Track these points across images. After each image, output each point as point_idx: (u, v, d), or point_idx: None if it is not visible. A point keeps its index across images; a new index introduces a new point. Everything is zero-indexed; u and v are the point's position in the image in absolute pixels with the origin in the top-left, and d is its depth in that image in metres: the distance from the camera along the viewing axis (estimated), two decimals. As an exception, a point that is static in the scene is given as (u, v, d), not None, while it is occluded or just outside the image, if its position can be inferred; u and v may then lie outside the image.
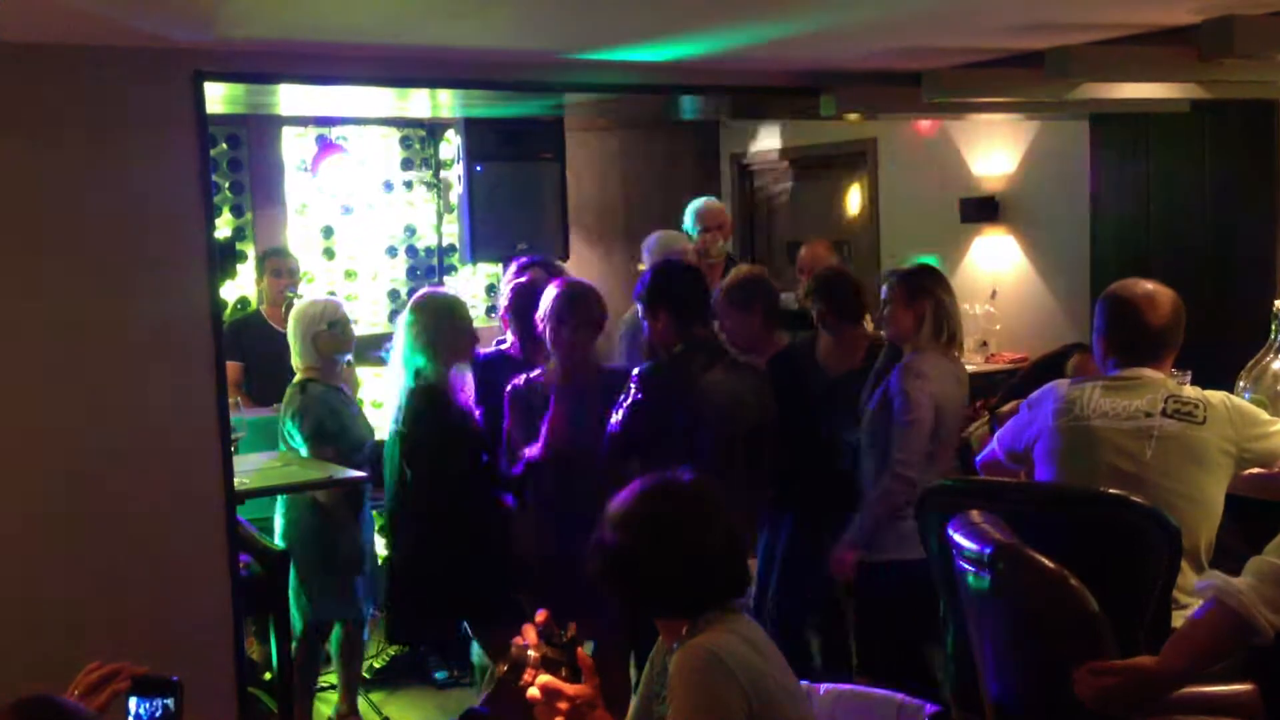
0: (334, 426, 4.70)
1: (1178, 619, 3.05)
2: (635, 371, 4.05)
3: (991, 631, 2.88)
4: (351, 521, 4.71)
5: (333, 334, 4.75)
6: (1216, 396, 3.19)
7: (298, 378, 4.79)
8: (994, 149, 6.69)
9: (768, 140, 8.09)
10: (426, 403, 4.10)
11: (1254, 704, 2.66)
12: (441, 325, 4.16)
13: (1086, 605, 2.57)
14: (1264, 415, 3.21)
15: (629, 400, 3.96)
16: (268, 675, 4.62)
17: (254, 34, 3.61)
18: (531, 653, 2.13)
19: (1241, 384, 3.59)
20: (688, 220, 5.82)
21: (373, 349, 5.29)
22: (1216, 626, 2.43)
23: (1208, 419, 3.11)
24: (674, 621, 2.27)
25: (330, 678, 5.27)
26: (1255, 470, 3.18)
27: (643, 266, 5.54)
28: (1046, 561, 2.64)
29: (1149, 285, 3.27)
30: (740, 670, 2.13)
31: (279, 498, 4.67)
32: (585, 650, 2.19)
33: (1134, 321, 3.23)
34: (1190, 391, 3.22)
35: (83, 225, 3.61)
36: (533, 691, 2.09)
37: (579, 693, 2.09)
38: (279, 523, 4.71)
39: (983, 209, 6.63)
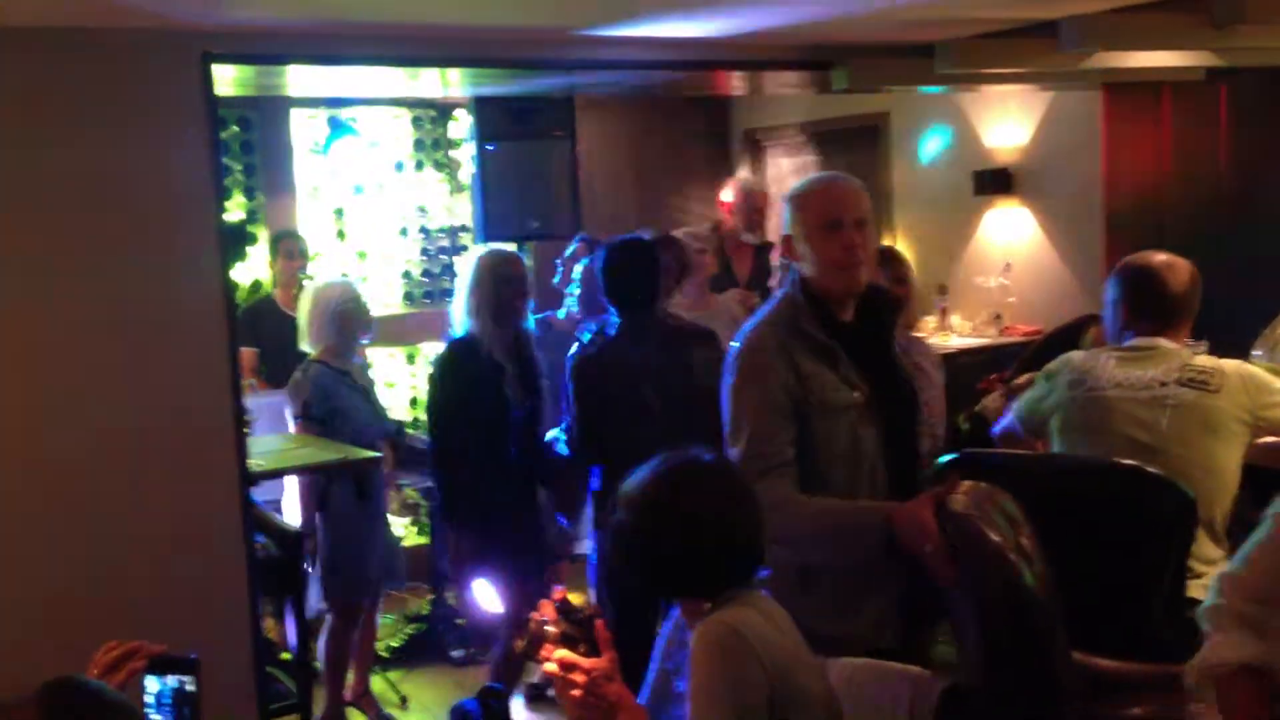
0: (320, 411, 4.69)
1: (1194, 588, 3.05)
2: (571, 359, 4.14)
3: (957, 608, 2.84)
4: (356, 505, 4.70)
5: (354, 315, 4.76)
6: (1231, 365, 3.19)
7: (314, 355, 4.78)
8: (1007, 120, 6.65)
9: (781, 115, 8.05)
10: (457, 354, 4.28)
11: None
12: (484, 281, 4.27)
13: (1020, 584, 2.43)
14: (1278, 384, 3.21)
15: (571, 397, 4.10)
16: (285, 655, 4.64)
17: (262, 15, 3.60)
18: (550, 628, 2.13)
19: (1257, 352, 3.58)
20: (734, 196, 5.80)
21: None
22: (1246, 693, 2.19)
23: (1222, 387, 3.11)
24: (695, 600, 2.26)
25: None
26: (1268, 439, 3.17)
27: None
28: (992, 535, 2.57)
29: (1165, 255, 3.30)
30: (760, 646, 2.12)
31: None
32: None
33: (1155, 289, 3.24)
34: (1204, 360, 3.22)
35: (93, 209, 3.61)
36: (549, 666, 2.10)
37: (595, 666, 2.09)
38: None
39: (996, 181, 6.60)
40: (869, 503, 2.68)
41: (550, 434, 4.42)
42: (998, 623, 2.40)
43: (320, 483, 4.64)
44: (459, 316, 4.38)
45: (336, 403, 4.73)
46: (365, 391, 4.96)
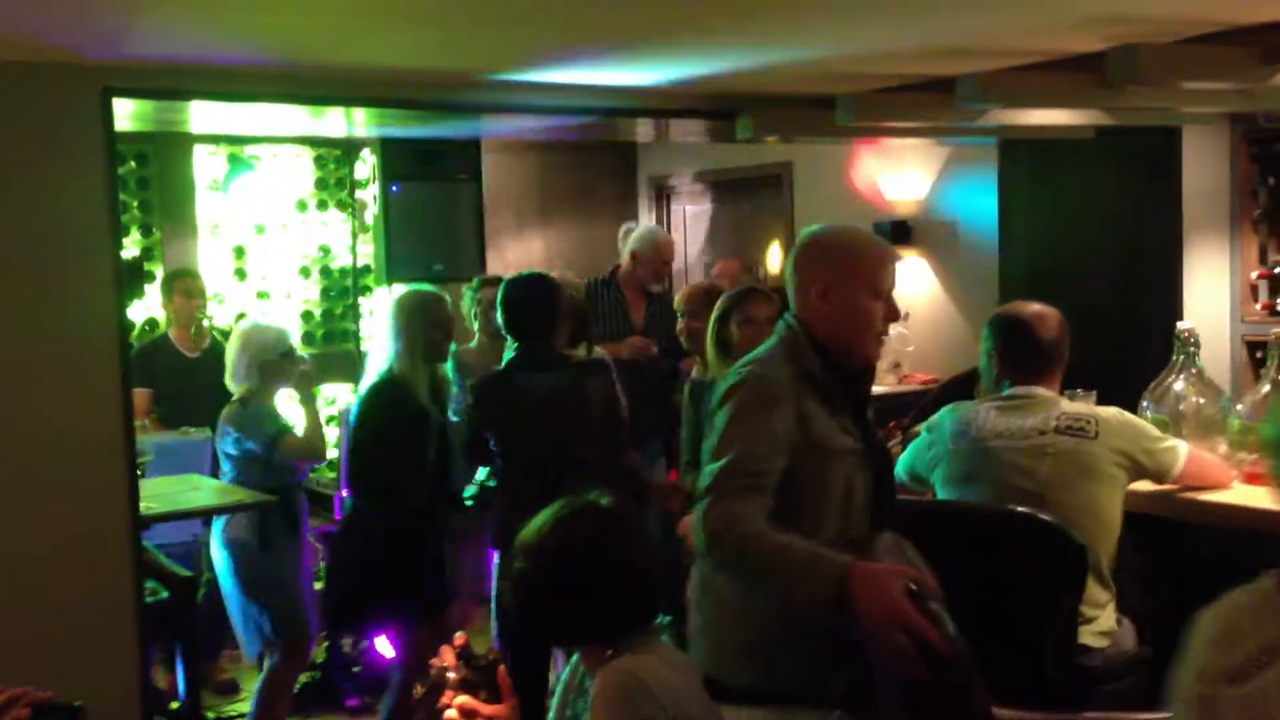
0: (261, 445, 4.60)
1: (1085, 635, 3.11)
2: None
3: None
4: (283, 542, 4.60)
5: (281, 365, 4.68)
6: (1106, 411, 3.28)
7: (236, 395, 4.68)
8: (907, 173, 6.79)
9: (686, 162, 8.14)
10: (386, 395, 4.24)
11: None
12: (413, 320, 4.26)
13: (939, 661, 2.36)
14: (1155, 431, 3.31)
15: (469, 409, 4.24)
16: (174, 704, 4.52)
17: (165, 50, 3.56)
18: (450, 674, 2.10)
19: (1145, 404, 3.67)
20: (643, 245, 5.83)
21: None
22: None
23: (1099, 433, 3.19)
24: (595, 647, 2.24)
25: (241, 706, 5.18)
26: (1152, 486, 3.28)
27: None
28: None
29: (1035, 305, 3.40)
30: (662, 693, 2.12)
31: (215, 524, 4.58)
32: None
33: (1026, 339, 3.33)
34: (1080, 407, 3.31)
35: (-16, 243, 3.53)
36: (450, 713, 2.07)
37: (496, 713, 2.07)
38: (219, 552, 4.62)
39: (896, 232, 6.72)
40: (830, 552, 2.43)
41: (468, 490, 4.45)
42: (918, 685, 2.31)
43: (255, 518, 4.54)
44: (380, 357, 4.34)
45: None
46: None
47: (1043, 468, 3.18)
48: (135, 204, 6.55)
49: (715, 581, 2.64)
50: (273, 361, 4.63)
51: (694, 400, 4.51)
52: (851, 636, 2.35)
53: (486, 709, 2.07)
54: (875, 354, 2.74)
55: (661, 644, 2.26)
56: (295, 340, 4.94)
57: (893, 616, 2.25)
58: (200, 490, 4.55)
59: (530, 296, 4.19)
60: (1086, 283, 5.44)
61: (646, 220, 8.13)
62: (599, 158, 8.16)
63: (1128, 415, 3.31)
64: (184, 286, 6.01)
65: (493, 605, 4.30)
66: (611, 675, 2.15)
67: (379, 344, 4.41)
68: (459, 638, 2.15)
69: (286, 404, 4.98)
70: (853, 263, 2.68)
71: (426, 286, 4.60)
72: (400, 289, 4.56)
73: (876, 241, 2.80)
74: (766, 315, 4.03)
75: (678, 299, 4.92)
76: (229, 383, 4.69)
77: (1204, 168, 5.28)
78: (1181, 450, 3.26)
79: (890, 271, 2.70)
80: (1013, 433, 3.24)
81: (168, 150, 6.62)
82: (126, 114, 4.29)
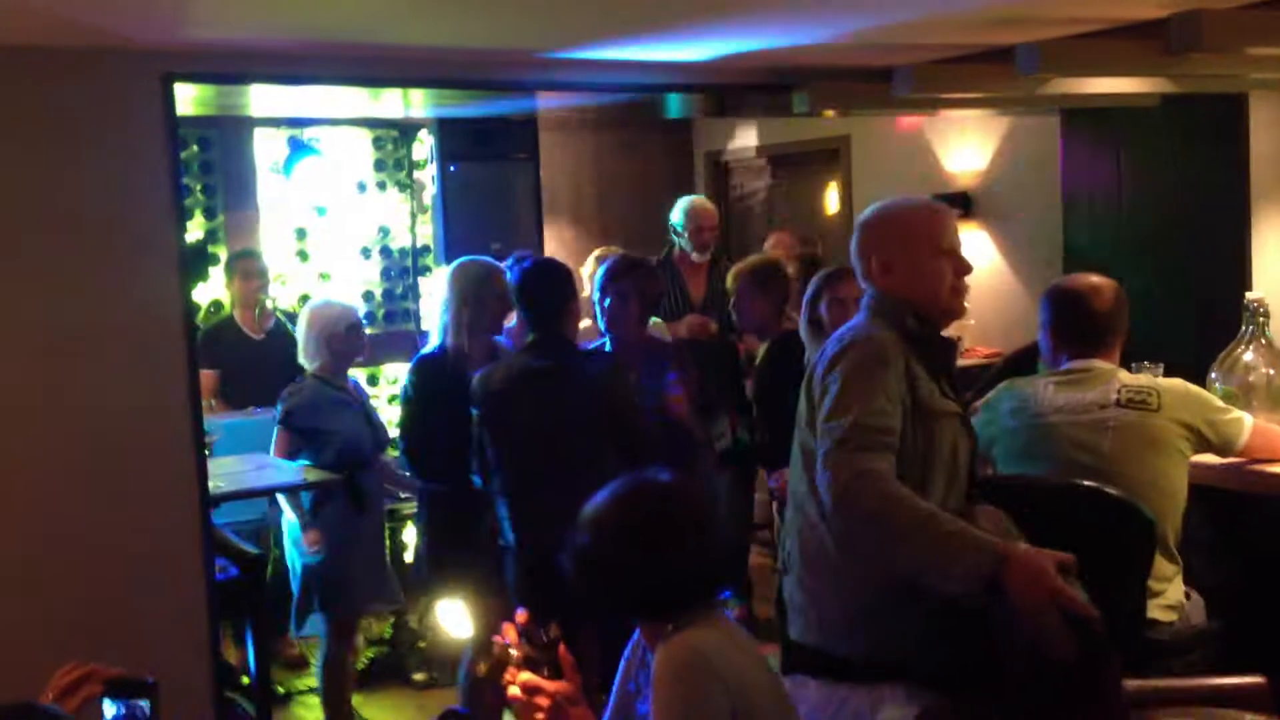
0: (303, 423, 4.67)
1: (1153, 609, 3.08)
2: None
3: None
4: (350, 519, 4.67)
5: (348, 338, 4.76)
6: (1169, 383, 3.24)
7: (310, 372, 4.77)
8: (966, 145, 6.72)
9: (743, 138, 8.10)
10: (434, 367, 4.26)
11: (1264, 696, 2.63)
12: (469, 291, 4.27)
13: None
14: (1219, 402, 3.27)
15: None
16: (245, 680, 4.60)
17: (223, 34, 3.60)
18: (513, 651, 2.12)
19: (1213, 375, 3.62)
20: (679, 217, 5.84)
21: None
22: None
23: (1161, 405, 3.15)
24: (655, 622, 2.25)
25: (310, 680, 5.26)
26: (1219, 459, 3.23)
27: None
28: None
29: (1092, 277, 3.35)
30: (725, 669, 2.12)
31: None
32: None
33: (1082, 311, 3.28)
34: (1142, 379, 3.27)
35: (53, 229, 3.59)
36: (513, 690, 2.09)
37: (560, 689, 2.09)
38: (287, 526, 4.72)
39: (955, 205, 6.66)
40: (982, 532, 2.42)
41: None
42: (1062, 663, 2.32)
43: (314, 496, 4.61)
44: (435, 329, 4.38)
45: (321, 422, 4.69)
46: (362, 406, 4.95)
47: (1105, 442, 3.14)
48: (199, 188, 6.63)
49: (824, 545, 2.60)
50: (338, 334, 4.70)
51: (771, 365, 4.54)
52: (995, 615, 2.35)
53: (550, 685, 2.09)
54: (957, 308, 2.74)
55: (722, 616, 2.27)
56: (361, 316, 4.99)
57: (1050, 598, 2.26)
58: (266, 469, 4.62)
59: (539, 279, 4.08)
60: (1152, 253, 5.35)
61: (704, 195, 8.11)
62: (655, 135, 8.14)
63: (1191, 386, 3.26)
64: (243, 268, 6.10)
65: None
66: (673, 651, 2.15)
67: (434, 315, 4.43)
68: (521, 615, 2.17)
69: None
70: (905, 227, 2.74)
71: (484, 258, 4.60)
72: (460, 262, 4.52)
73: (924, 202, 2.86)
74: (856, 296, 4.00)
75: (729, 277, 4.90)
76: (303, 361, 4.77)
77: (1272, 134, 5.17)
78: (1247, 422, 3.21)
79: (946, 226, 2.73)
80: (1073, 407, 3.20)
81: (229, 134, 6.69)
82: (188, 99, 4.35)
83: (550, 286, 4.04)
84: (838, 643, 2.59)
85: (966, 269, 2.72)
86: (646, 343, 4.52)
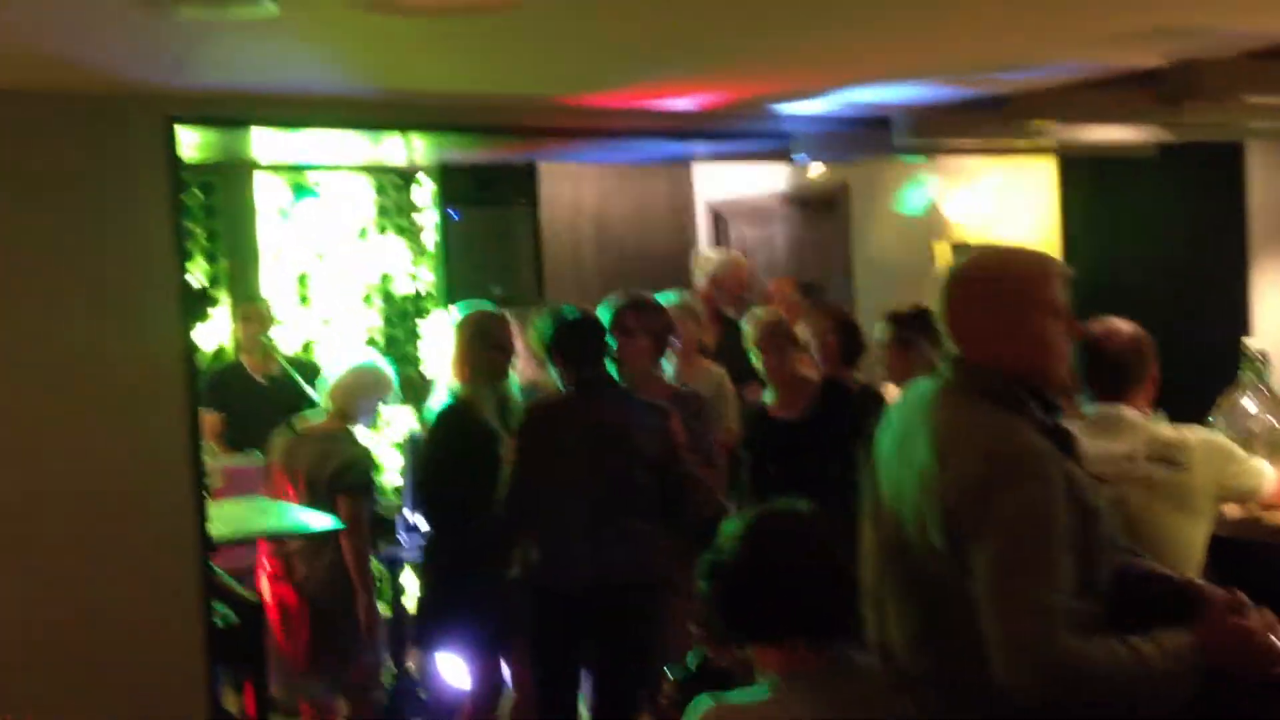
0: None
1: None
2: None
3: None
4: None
5: (373, 407, 4.87)
6: (1195, 437, 3.17)
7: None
8: (965, 192, 6.73)
9: (742, 184, 8.13)
10: (452, 418, 4.28)
11: None
12: (471, 343, 4.32)
13: None
14: (1240, 451, 3.21)
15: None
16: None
17: (227, 79, 3.62)
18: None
19: (1212, 420, 3.61)
20: (723, 270, 5.85)
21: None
22: None
23: (1192, 464, 3.08)
24: (769, 649, 2.30)
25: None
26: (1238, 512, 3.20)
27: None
28: None
29: (1111, 320, 3.27)
30: None
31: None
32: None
33: (1093, 354, 3.20)
34: (1171, 433, 3.17)
35: (54, 272, 3.60)
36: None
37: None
38: None
39: (955, 251, 6.67)
40: (1161, 631, 2.11)
41: None
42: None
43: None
44: (445, 381, 4.43)
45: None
46: None
47: (1129, 496, 3.05)
48: (201, 233, 6.64)
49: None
50: (369, 403, 4.82)
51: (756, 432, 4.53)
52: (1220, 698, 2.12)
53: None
54: (1065, 378, 2.38)
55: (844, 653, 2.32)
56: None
57: (1264, 654, 2.12)
58: (268, 514, 4.60)
59: (581, 328, 4.15)
60: (1151, 301, 5.36)
61: (704, 243, 8.14)
62: (655, 181, 8.17)
63: (1214, 438, 3.21)
64: (243, 312, 6.14)
65: None
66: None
67: (443, 368, 4.46)
68: None
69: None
70: (1020, 285, 2.30)
71: (486, 305, 4.62)
72: (460, 310, 4.58)
73: (1036, 256, 2.43)
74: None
75: (749, 333, 4.85)
76: (325, 407, 4.77)
77: (1270, 183, 5.20)
78: (1267, 470, 3.18)
79: (1062, 285, 2.32)
80: (1099, 456, 3.07)
81: (232, 179, 6.72)
82: (191, 144, 4.38)
83: (588, 333, 4.15)
84: None
85: (1079, 333, 2.40)
86: (668, 390, 4.49)
